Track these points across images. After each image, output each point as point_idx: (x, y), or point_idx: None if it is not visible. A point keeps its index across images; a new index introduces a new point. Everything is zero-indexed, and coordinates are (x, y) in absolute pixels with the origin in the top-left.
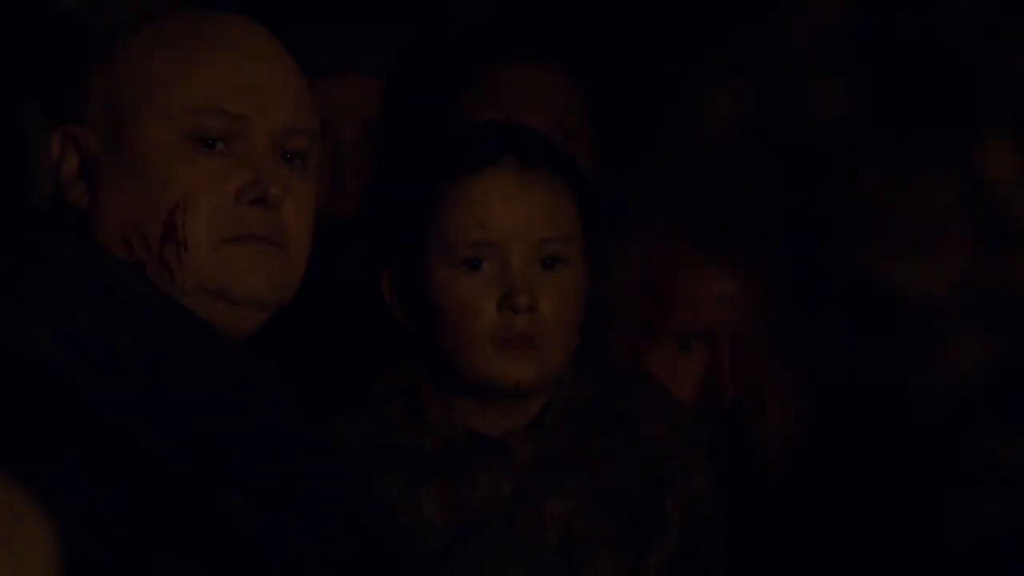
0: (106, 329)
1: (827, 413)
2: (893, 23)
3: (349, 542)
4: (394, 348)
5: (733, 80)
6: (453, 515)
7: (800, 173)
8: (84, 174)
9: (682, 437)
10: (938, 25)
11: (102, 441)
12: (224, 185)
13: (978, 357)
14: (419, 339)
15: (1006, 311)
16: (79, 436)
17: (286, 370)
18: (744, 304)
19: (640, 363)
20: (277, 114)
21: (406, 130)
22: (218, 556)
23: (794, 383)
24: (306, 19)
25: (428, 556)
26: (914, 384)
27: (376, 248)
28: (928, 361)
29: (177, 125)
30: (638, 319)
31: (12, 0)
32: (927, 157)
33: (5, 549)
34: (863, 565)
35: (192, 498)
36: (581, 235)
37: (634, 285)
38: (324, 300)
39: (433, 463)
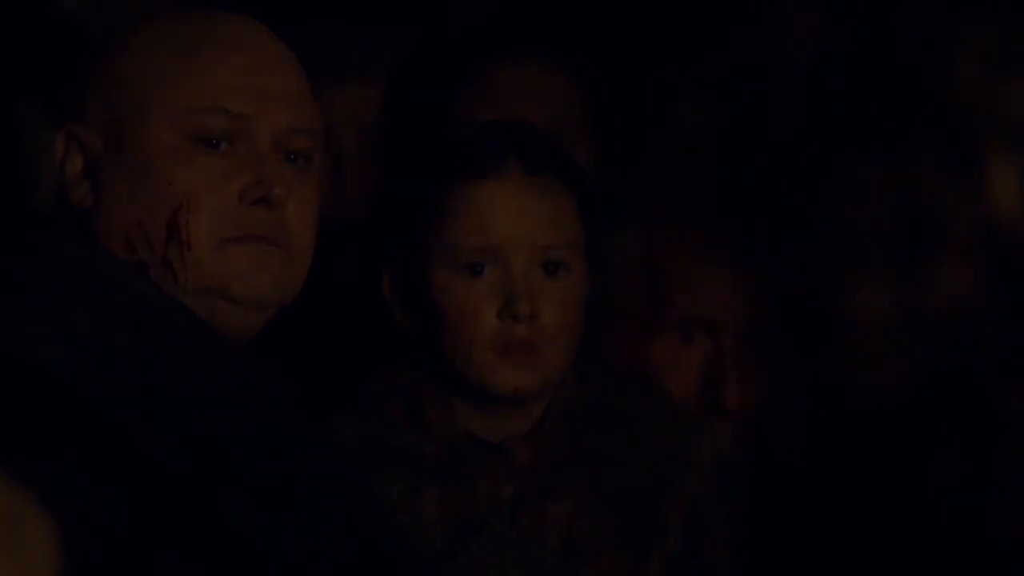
0: (106, 329)
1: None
2: (854, 42)
3: (349, 542)
4: (394, 349)
5: (720, 84)
6: (453, 517)
7: (762, 181)
8: (88, 174)
9: (682, 438)
10: (887, 47)
11: (102, 441)
12: (227, 185)
13: (905, 370)
14: (419, 341)
15: (932, 327)
16: (79, 436)
17: (286, 370)
18: (745, 296)
19: (642, 357)
20: (279, 114)
21: (407, 131)
22: (218, 556)
23: (793, 376)
24: (306, 20)
25: (428, 557)
26: (844, 391)
27: (377, 248)
28: (857, 372)
29: (179, 125)
30: (638, 317)
31: (12, 0)
32: (864, 175)
33: (5, 549)
34: (864, 564)
35: (192, 498)
36: (583, 239)
37: (634, 283)
38: (324, 300)
39: (433, 465)
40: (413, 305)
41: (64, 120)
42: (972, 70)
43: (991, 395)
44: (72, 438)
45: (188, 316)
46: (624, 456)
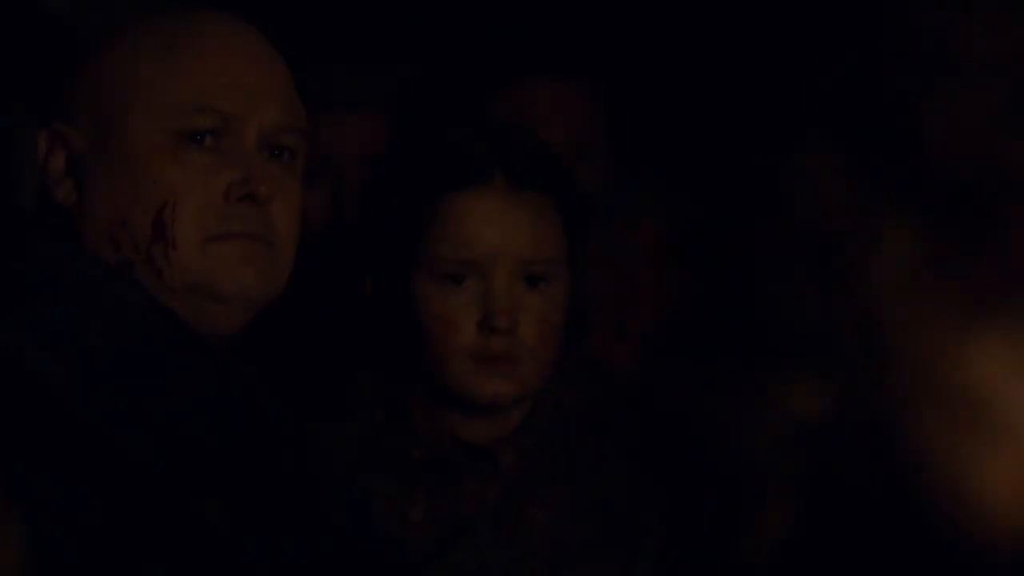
0: (83, 331)
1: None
2: None
3: (324, 543)
4: (382, 356)
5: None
6: (439, 519)
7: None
8: (71, 172)
9: (661, 440)
10: None
11: (77, 442)
12: (212, 183)
13: None
14: (404, 348)
15: None
16: (54, 437)
17: (275, 376)
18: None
19: (616, 365)
20: (266, 112)
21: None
22: (192, 557)
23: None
24: (312, 55)
25: (414, 560)
26: None
27: (362, 253)
28: None
29: (165, 123)
30: (612, 323)
31: None
32: None
33: None
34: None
35: (167, 499)
36: (567, 249)
37: (610, 286)
38: (313, 307)
39: (420, 467)
40: (396, 311)
41: (49, 119)
42: None
43: None
44: (47, 439)
45: (167, 317)
46: (607, 459)
